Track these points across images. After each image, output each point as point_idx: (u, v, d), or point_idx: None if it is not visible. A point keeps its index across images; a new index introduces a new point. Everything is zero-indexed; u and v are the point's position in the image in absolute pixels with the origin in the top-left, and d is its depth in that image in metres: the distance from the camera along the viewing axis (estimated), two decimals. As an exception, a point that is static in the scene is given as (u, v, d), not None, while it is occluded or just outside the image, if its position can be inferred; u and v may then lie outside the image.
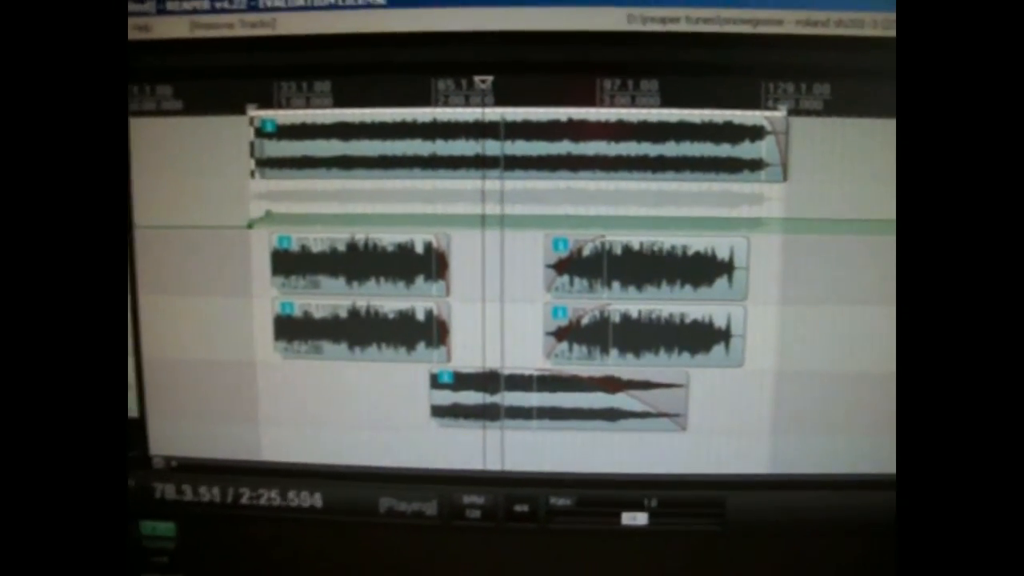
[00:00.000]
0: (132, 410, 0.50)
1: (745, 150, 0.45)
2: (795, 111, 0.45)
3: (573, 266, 0.46)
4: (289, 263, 0.48)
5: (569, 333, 0.47)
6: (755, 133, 0.45)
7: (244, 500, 0.50)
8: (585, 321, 0.47)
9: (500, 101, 0.45)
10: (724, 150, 0.45)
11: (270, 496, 0.50)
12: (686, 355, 0.47)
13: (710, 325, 0.47)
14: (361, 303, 0.48)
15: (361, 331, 0.48)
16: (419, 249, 0.47)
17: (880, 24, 0.44)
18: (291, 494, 0.50)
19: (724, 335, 0.47)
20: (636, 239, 0.46)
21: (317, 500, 0.50)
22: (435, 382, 0.48)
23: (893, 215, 0.45)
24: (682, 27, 0.44)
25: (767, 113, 0.45)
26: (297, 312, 0.48)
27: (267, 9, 0.46)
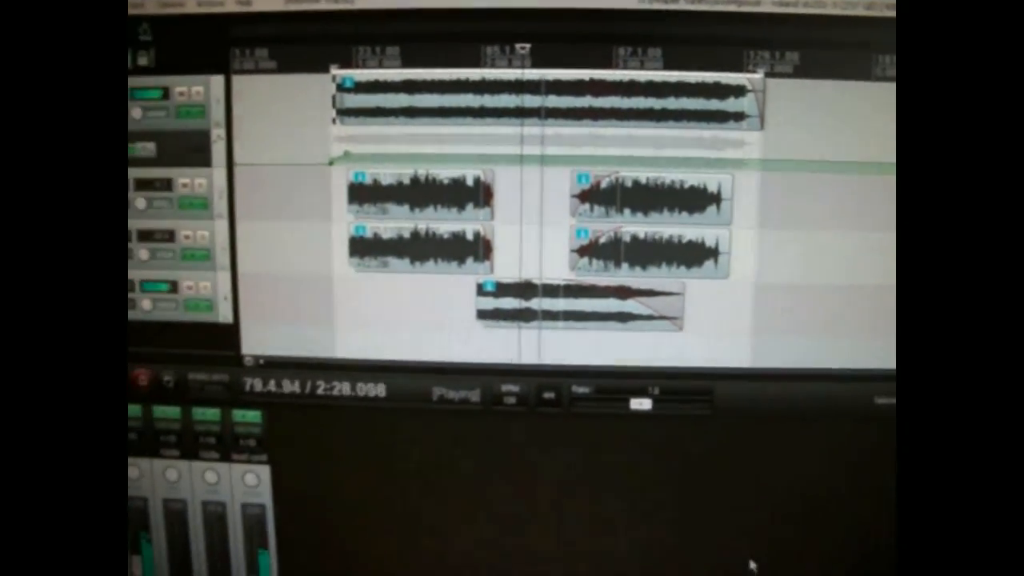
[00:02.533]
0: (228, 317, 0.59)
1: (730, 104, 0.55)
2: (770, 74, 0.55)
3: (593, 196, 0.56)
4: (363, 194, 0.57)
5: (589, 250, 0.57)
6: (738, 91, 0.55)
7: (320, 391, 0.59)
8: (602, 240, 0.57)
9: (536, 64, 0.55)
10: (713, 104, 0.55)
11: (341, 387, 0.59)
12: (683, 268, 0.57)
13: (702, 244, 0.57)
14: (421, 226, 0.57)
15: (420, 249, 0.57)
16: (469, 182, 0.57)
17: (839, 5, 0.54)
18: (359, 385, 0.59)
19: (713, 252, 0.56)
20: (643, 175, 0.56)
21: (381, 390, 0.59)
22: (480, 290, 0.58)
23: (851, 157, 0.55)
24: (681, 6, 0.54)
25: (748, 75, 0.55)
26: (368, 234, 0.58)
27: (348, -12, 0.56)
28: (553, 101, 0.56)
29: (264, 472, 0.61)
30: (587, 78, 0.55)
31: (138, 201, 0.59)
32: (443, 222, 0.57)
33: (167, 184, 0.58)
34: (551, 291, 0.57)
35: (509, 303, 0.58)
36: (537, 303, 0.58)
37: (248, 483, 0.61)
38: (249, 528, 0.62)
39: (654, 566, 0.61)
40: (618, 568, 0.61)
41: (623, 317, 0.57)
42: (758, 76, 0.55)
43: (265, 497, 0.61)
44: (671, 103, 0.55)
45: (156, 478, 0.62)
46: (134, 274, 0.59)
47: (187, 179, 0.58)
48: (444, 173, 0.57)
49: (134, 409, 0.61)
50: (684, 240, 0.57)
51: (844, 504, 0.59)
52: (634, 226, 0.57)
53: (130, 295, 0.60)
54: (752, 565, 0.60)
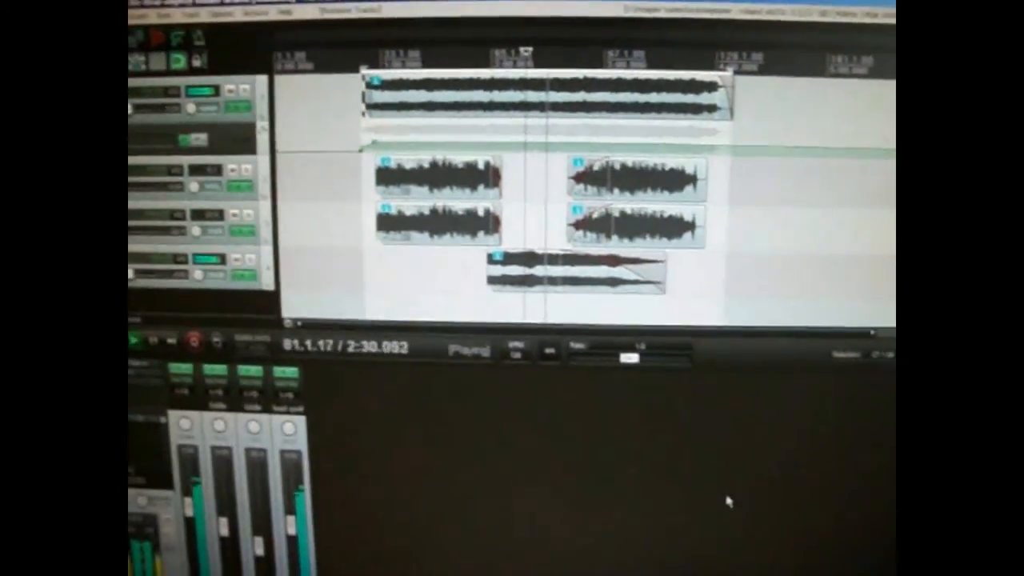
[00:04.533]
0: (270, 285, 0.67)
1: (704, 98, 0.62)
2: (739, 71, 0.61)
3: (587, 177, 0.64)
4: (388, 176, 0.64)
5: (584, 224, 0.64)
6: (711, 87, 0.62)
7: (350, 349, 0.67)
8: (595, 216, 0.64)
9: (538, 64, 0.62)
10: (690, 98, 0.62)
11: (369, 346, 0.66)
12: (665, 240, 0.64)
13: (681, 219, 0.64)
14: (439, 204, 0.64)
15: (438, 224, 0.64)
16: (480, 166, 0.64)
17: (798, 12, 0.61)
18: (385, 344, 0.66)
19: (691, 226, 0.63)
20: (630, 159, 0.63)
21: (404, 348, 0.66)
22: (490, 259, 0.64)
23: (809, 143, 0.62)
24: (661, 14, 0.61)
25: (719, 73, 0.61)
26: (393, 211, 0.65)
27: (375, -1, 0.64)
28: (552, 96, 0.63)
29: (301, 422, 0.68)
30: (581, 76, 0.63)
31: (191, 185, 0.67)
32: (458, 201, 0.64)
33: (217, 169, 0.66)
34: (551, 259, 0.65)
35: (515, 270, 0.65)
36: (540, 270, 0.65)
37: (286, 432, 0.69)
38: (287, 472, 0.69)
39: (639, 500, 0.69)
40: (608, 500, 0.69)
41: (613, 282, 0.65)
42: (728, 74, 0.61)
43: (301, 444, 0.69)
44: (653, 97, 0.62)
45: (205, 428, 0.70)
46: (188, 248, 0.68)
47: (235, 165, 0.66)
48: (458, 158, 0.64)
49: (186, 367, 0.69)
50: (666, 215, 0.64)
51: (806, 444, 0.67)
52: (622, 203, 0.64)
53: (184, 267, 0.68)
54: (728, 501, 0.68)
